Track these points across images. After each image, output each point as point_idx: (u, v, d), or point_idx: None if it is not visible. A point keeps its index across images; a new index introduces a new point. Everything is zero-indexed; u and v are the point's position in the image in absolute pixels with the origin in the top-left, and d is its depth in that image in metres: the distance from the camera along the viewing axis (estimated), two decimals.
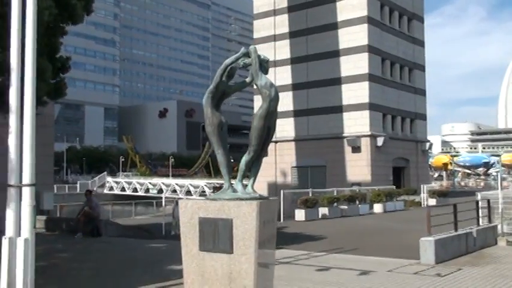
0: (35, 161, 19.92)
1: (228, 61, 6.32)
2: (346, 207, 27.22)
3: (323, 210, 25.80)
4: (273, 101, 5.97)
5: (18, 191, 7.85)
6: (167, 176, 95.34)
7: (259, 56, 6.19)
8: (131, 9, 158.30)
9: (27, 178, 7.83)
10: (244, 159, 6.12)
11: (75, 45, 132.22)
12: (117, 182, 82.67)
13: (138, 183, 78.29)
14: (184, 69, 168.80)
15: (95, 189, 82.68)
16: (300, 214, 24.82)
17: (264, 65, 6.23)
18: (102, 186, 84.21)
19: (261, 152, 6.13)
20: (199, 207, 5.78)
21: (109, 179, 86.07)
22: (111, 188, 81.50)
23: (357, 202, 28.19)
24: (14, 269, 7.71)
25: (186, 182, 79.78)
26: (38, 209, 20.48)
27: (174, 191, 76.04)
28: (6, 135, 8.28)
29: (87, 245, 15.72)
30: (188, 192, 72.37)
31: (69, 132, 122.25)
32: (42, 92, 13.57)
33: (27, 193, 7.80)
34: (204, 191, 73.43)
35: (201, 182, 77.57)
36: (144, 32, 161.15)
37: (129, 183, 79.48)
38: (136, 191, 75.02)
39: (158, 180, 78.70)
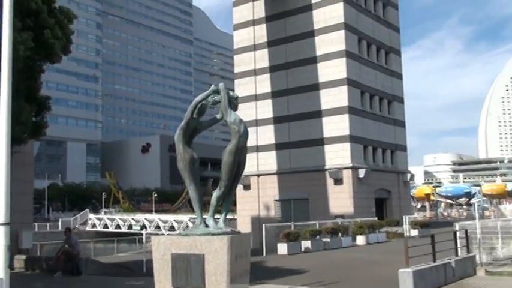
0: (14, 199, 19.65)
1: (198, 98, 6.49)
2: (328, 239, 27.18)
3: (305, 244, 25.73)
4: (242, 136, 6.11)
5: None
6: (150, 211, 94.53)
7: (228, 93, 6.35)
8: (113, 44, 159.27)
9: (1, 217, 7.82)
10: (215, 194, 6.22)
11: (57, 82, 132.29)
12: (99, 219, 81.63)
13: (120, 219, 77.39)
14: (167, 103, 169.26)
15: (76, 226, 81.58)
16: (282, 248, 24.73)
17: (234, 102, 6.39)
18: (85, 223, 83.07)
19: (231, 186, 6.23)
20: (171, 243, 5.84)
21: (91, 216, 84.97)
22: (94, 225, 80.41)
23: (340, 234, 28.18)
24: None
25: (170, 217, 79.10)
26: (16, 248, 20.24)
27: (158, 226, 75.25)
28: None
29: (66, 284, 15.50)
30: (172, 228, 71.70)
31: (51, 169, 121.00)
32: (19, 133, 13.64)
33: (1, 232, 7.78)
34: (188, 226, 72.97)
35: (185, 217, 76.89)
36: (126, 67, 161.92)
37: (112, 220, 78.53)
38: (119, 228, 74.09)
39: (141, 216, 77.91)
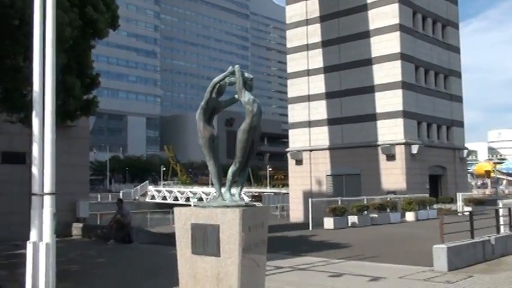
0: (71, 171, 20.91)
1: (216, 79, 6.89)
2: (376, 215, 27.30)
3: (352, 219, 25.98)
4: (255, 116, 6.48)
5: (40, 199, 8.58)
6: (207, 184, 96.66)
7: (243, 75, 6.69)
8: (171, 20, 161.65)
9: (48, 187, 8.53)
10: (231, 170, 6.65)
11: (117, 57, 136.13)
12: (158, 191, 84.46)
13: (179, 191, 79.78)
14: None
15: (137, 197, 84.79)
16: (328, 222, 25.09)
17: (248, 83, 6.73)
18: (144, 195, 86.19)
19: (245, 163, 6.65)
20: (191, 214, 6.35)
21: (151, 187, 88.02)
22: (153, 197, 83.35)
23: (388, 210, 28.22)
24: (38, 271, 8.43)
25: None
26: (74, 217, 21.58)
27: None
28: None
29: (118, 251, 16.51)
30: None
31: (113, 142, 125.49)
32: (72, 106, 14.38)
33: (48, 201, 8.50)
34: (243, 199, 74.36)
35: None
36: (184, 42, 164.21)
37: (170, 192, 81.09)
38: (177, 200, 76.40)
39: (198, 189, 80.00)
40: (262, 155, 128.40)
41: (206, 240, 6.10)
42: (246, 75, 6.75)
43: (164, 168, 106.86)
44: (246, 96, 6.57)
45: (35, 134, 8.84)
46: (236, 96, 6.83)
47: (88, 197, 23.65)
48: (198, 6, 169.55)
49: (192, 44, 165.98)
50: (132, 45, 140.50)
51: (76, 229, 20.70)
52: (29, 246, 8.48)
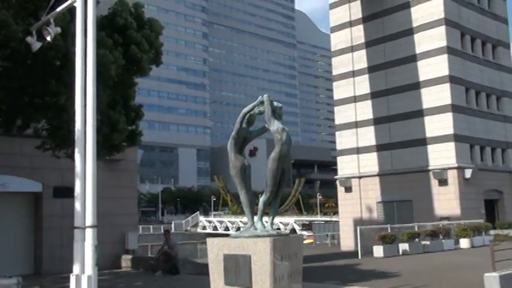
0: (119, 203, 21.44)
1: (245, 109, 6.96)
2: (428, 242, 26.52)
3: (403, 246, 25.33)
4: (285, 144, 6.49)
5: (83, 232, 8.81)
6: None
7: (272, 104, 6.73)
8: (219, 53, 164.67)
9: (89, 220, 8.75)
10: (262, 199, 6.65)
11: (168, 91, 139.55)
12: (209, 221, 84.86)
13: (229, 221, 79.81)
14: None
15: (188, 228, 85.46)
16: (378, 250, 24.54)
17: (278, 112, 6.77)
18: (196, 225, 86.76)
19: (277, 192, 6.62)
20: (223, 245, 6.37)
21: (202, 218, 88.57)
22: (204, 227, 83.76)
23: (441, 237, 27.35)
24: None
25: (276, 219, 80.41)
26: (123, 249, 21.95)
27: None
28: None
29: (164, 283, 16.64)
30: (278, 229, 72.84)
31: (164, 174, 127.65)
32: (117, 140, 14.86)
33: (89, 234, 8.71)
34: (294, 228, 73.73)
35: (290, 220, 77.91)
36: (232, 74, 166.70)
37: (221, 222, 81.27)
38: (228, 229, 76.38)
39: None
40: (313, 182, 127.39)
41: (238, 270, 6.09)
42: (275, 104, 6.80)
43: (215, 199, 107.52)
44: (275, 125, 6.61)
45: (77, 170, 9.14)
46: (266, 125, 6.87)
47: (137, 229, 24.06)
48: (245, 38, 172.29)
49: (240, 75, 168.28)
50: (182, 78, 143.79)
51: (125, 261, 21.03)
52: (72, 279, 8.69)
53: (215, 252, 6.40)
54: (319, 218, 79.49)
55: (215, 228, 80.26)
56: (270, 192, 6.55)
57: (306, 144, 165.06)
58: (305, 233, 64.69)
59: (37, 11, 11.49)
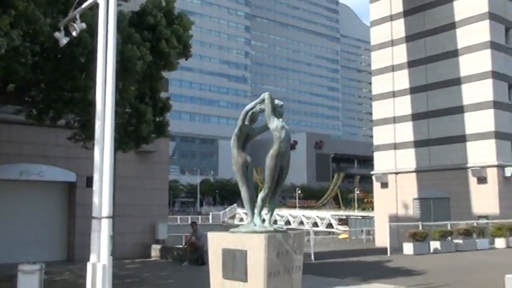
0: (150, 194, 21.96)
1: (247, 107, 7.12)
2: (461, 241, 26.07)
3: (434, 244, 24.98)
4: (283, 142, 6.60)
5: (99, 222, 9.15)
6: (295, 207, 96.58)
7: (272, 102, 6.84)
8: (262, 46, 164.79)
9: (105, 211, 9.08)
10: (260, 195, 6.79)
11: (209, 84, 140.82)
12: (246, 213, 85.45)
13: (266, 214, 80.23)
14: (313, 101, 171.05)
15: (225, 220, 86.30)
16: (408, 248, 24.30)
17: (278, 109, 6.87)
18: (233, 217, 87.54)
19: (275, 189, 6.75)
20: (222, 239, 6.56)
21: (239, 210, 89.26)
22: (241, 219, 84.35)
23: (474, 236, 26.84)
24: None
25: (313, 213, 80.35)
26: (154, 239, 22.48)
27: (301, 222, 76.91)
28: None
29: (189, 273, 17.00)
30: (315, 224, 72.80)
31: (204, 166, 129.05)
32: (144, 131, 15.26)
33: (105, 224, 9.04)
34: (331, 223, 73.50)
35: (327, 214, 77.72)
36: (274, 67, 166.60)
37: None
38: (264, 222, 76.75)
39: (286, 212, 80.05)
40: (353, 177, 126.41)
41: (235, 265, 6.27)
42: (276, 102, 6.90)
43: None
44: (274, 123, 6.73)
45: (96, 162, 9.50)
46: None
47: (167, 219, 24.54)
48: (288, 32, 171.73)
49: (282, 69, 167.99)
50: (223, 71, 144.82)
51: (155, 250, 21.55)
52: (89, 267, 9.05)
53: (215, 247, 6.60)
54: (356, 213, 78.98)
55: None
56: (268, 189, 6.69)
57: (346, 139, 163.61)
58: (341, 227, 64.46)
59: (67, 9, 11.90)
